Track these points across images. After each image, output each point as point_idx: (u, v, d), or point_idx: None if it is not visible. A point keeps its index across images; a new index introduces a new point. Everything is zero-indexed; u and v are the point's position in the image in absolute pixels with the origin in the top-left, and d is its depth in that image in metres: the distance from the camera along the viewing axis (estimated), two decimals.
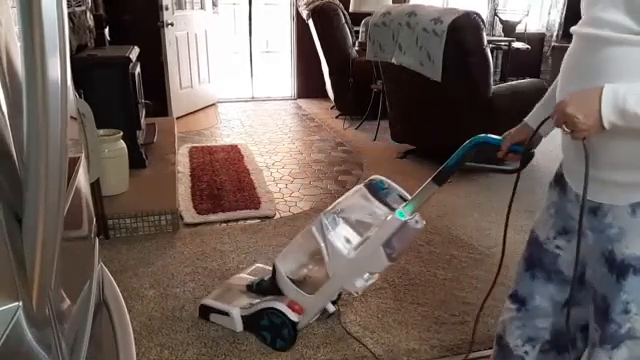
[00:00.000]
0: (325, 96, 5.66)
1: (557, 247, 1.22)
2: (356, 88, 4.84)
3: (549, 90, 1.28)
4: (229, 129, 4.87)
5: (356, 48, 5.03)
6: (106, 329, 1.01)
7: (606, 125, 0.89)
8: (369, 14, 4.15)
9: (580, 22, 1.02)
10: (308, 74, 6.01)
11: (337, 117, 5.26)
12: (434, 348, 1.83)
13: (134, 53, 3.41)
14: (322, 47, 5.15)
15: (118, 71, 3.13)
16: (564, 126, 0.94)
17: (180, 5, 5.06)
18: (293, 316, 1.75)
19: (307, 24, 5.31)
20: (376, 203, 1.63)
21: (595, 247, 1.08)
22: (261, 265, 2.16)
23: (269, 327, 1.79)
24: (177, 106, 5.09)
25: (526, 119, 1.31)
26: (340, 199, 1.75)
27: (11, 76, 0.59)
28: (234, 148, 4.14)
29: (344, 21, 5.02)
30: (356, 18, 5.16)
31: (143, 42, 4.00)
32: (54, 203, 0.58)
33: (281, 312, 1.75)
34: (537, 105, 1.31)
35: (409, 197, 1.62)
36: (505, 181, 3.43)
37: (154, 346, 1.81)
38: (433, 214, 2.89)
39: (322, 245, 1.68)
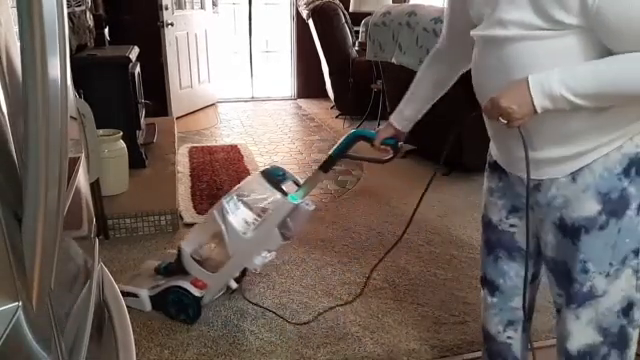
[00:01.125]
0: (325, 96, 5.66)
1: (511, 225, 1.29)
2: (356, 88, 4.83)
3: (407, 95, 1.49)
4: (229, 129, 4.87)
5: (356, 48, 5.03)
6: (106, 329, 1.01)
7: (539, 110, 0.99)
8: (369, 14, 4.15)
9: (481, 26, 1.11)
10: (308, 74, 6.01)
11: (337, 117, 5.26)
12: (434, 348, 1.83)
13: (134, 53, 3.41)
14: (322, 47, 5.15)
15: (118, 71, 3.13)
16: (500, 118, 1.03)
17: (180, 5, 5.06)
18: (196, 291, 1.89)
19: (307, 24, 5.31)
20: (270, 188, 1.79)
21: (545, 219, 1.17)
22: (171, 251, 2.23)
23: (175, 303, 1.93)
24: (177, 106, 5.09)
25: (391, 120, 1.51)
26: (241, 184, 1.93)
27: (11, 76, 0.59)
28: (234, 148, 4.14)
29: (344, 21, 5.03)
30: (356, 18, 5.16)
31: (143, 42, 3.99)
32: (54, 203, 0.58)
33: (185, 289, 1.89)
34: (397, 109, 1.49)
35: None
36: None
37: (154, 346, 1.81)
38: (433, 214, 2.89)
39: (222, 227, 1.82)
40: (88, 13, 3.82)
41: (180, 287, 1.91)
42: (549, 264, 1.21)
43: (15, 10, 0.52)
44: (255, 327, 1.92)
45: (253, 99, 6.24)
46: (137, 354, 1.00)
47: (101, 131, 2.68)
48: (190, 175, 3.47)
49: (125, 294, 1.91)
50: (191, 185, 3.30)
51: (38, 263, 0.57)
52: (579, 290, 1.14)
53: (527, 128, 1.05)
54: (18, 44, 0.60)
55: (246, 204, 1.87)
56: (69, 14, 3.21)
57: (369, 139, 1.54)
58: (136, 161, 3.18)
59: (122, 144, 2.86)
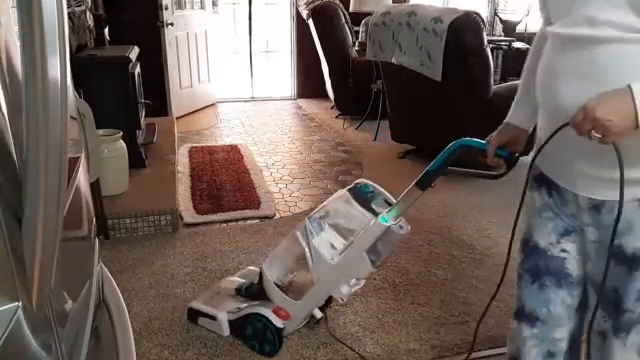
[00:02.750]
0: (325, 96, 5.66)
1: (562, 250, 1.18)
2: (356, 88, 4.83)
3: (521, 87, 1.27)
4: (229, 129, 4.87)
5: (356, 48, 5.03)
6: (106, 329, 1.01)
7: None
8: (369, 14, 4.15)
9: (561, 23, 0.98)
10: (308, 74, 6.01)
11: (337, 117, 5.26)
12: (434, 348, 1.83)
13: (134, 53, 3.41)
14: (322, 47, 5.15)
15: (118, 71, 3.12)
16: (593, 131, 0.89)
17: (180, 5, 5.06)
18: (278, 322, 1.74)
19: (307, 24, 5.31)
20: (358, 208, 1.61)
21: (599, 243, 1.08)
22: (252, 268, 2.13)
23: (255, 334, 1.78)
24: (177, 106, 5.09)
25: (508, 119, 1.28)
26: (325, 202, 1.73)
27: (11, 76, 0.59)
28: (234, 148, 4.14)
29: (344, 21, 5.03)
30: (356, 18, 5.16)
31: (143, 42, 3.99)
32: (54, 203, 0.58)
33: (266, 318, 1.74)
34: (514, 104, 1.29)
35: (394, 201, 1.60)
36: (505, 181, 3.43)
37: (154, 346, 1.81)
38: (433, 214, 2.89)
39: (306, 250, 1.67)
40: (88, 13, 3.82)
41: (262, 315, 1.75)
42: (596, 288, 1.13)
43: (15, 10, 0.52)
44: None
45: (253, 99, 6.24)
46: (137, 354, 1.00)
47: (101, 131, 2.68)
48: (190, 175, 3.47)
49: (202, 314, 1.87)
50: (191, 185, 3.30)
51: (38, 263, 0.57)
52: (630, 318, 1.08)
53: (594, 142, 0.92)
54: (18, 44, 0.60)
55: (332, 225, 1.68)
56: (69, 14, 3.21)
57: (480, 150, 1.29)
58: (136, 161, 3.18)
59: (122, 144, 2.86)
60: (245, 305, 1.83)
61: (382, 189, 1.67)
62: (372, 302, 2.09)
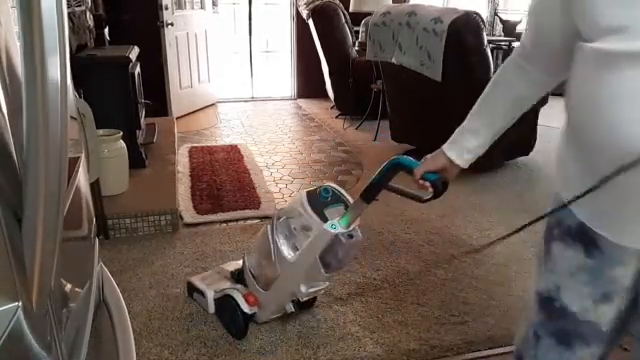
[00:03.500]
0: (325, 96, 5.66)
1: (599, 315, 0.98)
2: (356, 88, 4.84)
3: (472, 118, 1.14)
4: (229, 129, 4.87)
5: (356, 48, 5.03)
6: (106, 329, 1.01)
7: None
8: (369, 14, 4.15)
9: (618, 38, 0.76)
10: (308, 74, 6.01)
11: (337, 117, 5.26)
12: (434, 348, 1.83)
13: (134, 53, 3.41)
14: (322, 47, 5.15)
15: (118, 71, 3.12)
16: None
17: (180, 5, 5.06)
18: (245, 307, 1.80)
19: (307, 24, 5.31)
20: (310, 212, 1.60)
21: None
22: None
23: (227, 312, 1.87)
24: (177, 106, 5.09)
25: (445, 149, 1.16)
26: (290, 201, 1.79)
27: (11, 76, 0.59)
28: (234, 148, 4.14)
29: (344, 21, 5.03)
30: (356, 18, 5.16)
31: (143, 42, 3.99)
32: (54, 203, 0.58)
33: (236, 301, 1.81)
34: (456, 135, 1.15)
35: None
36: (506, 182, 3.44)
37: (154, 346, 1.81)
38: (433, 214, 2.89)
39: (271, 245, 1.71)
40: (88, 13, 3.82)
41: (232, 298, 1.83)
42: None
43: (15, 10, 0.52)
44: (255, 327, 1.91)
45: (253, 99, 6.24)
46: (137, 354, 1.00)
47: (101, 131, 2.68)
48: (190, 175, 3.47)
49: (196, 290, 1.98)
50: (191, 185, 3.30)
51: (38, 263, 0.57)
52: None
53: None
54: (18, 44, 0.60)
55: (292, 226, 1.70)
56: (69, 14, 3.21)
57: (408, 170, 1.25)
58: (136, 161, 3.18)
59: (122, 144, 2.86)
60: (228, 287, 1.91)
61: (347, 196, 1.66)
62: (372, 302, 2.09)
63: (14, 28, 0.63)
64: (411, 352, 1.81)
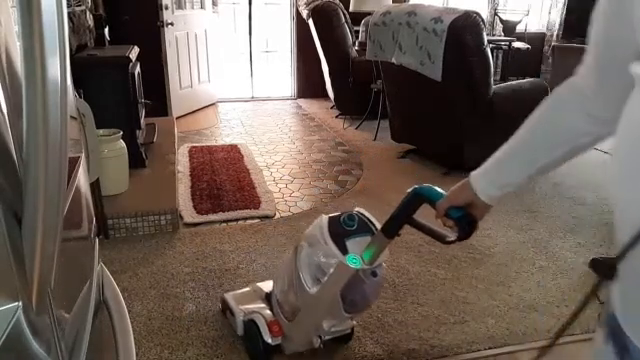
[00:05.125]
0: (325, 96, 5.66)
1: None
2: (356, 88, 4.84)
3: (512, 150, 0.90)
4: (229, 129, 4.87)
5: (356, 48, 5.03)
6: (106, 329, 1.01)
7: None
8: (369, 14, 4.15)
9: None
10: (308, 74, 6.01)
11: (337, 117, 5.26)
12: (434, 348, 1.83)
13: (134, 53, 3.41)
14: (322, 47, 5.15)
15: (118, 71, 3.12)
16: None
17: (180, 5, 5.06)
18: (267, 335, 1.63)
19: (307, 24, 5.31)
20: (330, 242, 1.40)
21: None
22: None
23: (252, 338, 1.72)
24: (177, 106, 5.09)
25: (472, 177, 0.96)
26: (313, 224, 1.54)
27: (11, 76, 0.59)
28: (234, 148, 4.14)
29: (344, 21, 5.03)
30: (356, 18, 5.16)
31: (143, 42, 4.00)
32: (54, 203, 0.58)
33: (258, 328, 1.66)
34: (490, 166, 0.93)
35: None
36: None
37: (154, 346, 1.81)
38: (433, 214, 2.89)
39: (294, 273, 1.52)
40: (88, 13, 3.82)
41: (255, 324, 1.66)
42: None
43: (15, 10, 0.52)
44: None
45: (253, 99, 6.24)
46: (137, 354, 1.00)
47: (101, 131, 2.69)
48: (190, 175, 3.47)
49: (228, 307, 1.86)
50: (191, 185, 3.30)
51: (38, 263, 0.57)
52: None
53: None
54: (18, 44, 0.60)
55: (314, 255, 1.48)
56: (69, 14, 3.21)
57: (430, 202, 1.09)
58: (136, 161, 3.18)
59: (122, 144, 2.86)
60: (256, 310, 1.75)
61: (376, 223, 1.43)
62: None
63: (14, 28, 0.63)
64: (411, 352, 1.81)
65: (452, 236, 1.05)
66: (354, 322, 1.63)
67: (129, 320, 1.04)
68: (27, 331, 0.55)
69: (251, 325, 1.71)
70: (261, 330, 1.65)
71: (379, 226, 1.42)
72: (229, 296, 1.91)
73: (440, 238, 1.14)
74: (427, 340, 1.87)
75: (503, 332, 1.91)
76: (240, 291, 1.96)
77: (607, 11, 0.70)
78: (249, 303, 1.84)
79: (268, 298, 1.79)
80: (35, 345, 0.57)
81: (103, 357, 1.00)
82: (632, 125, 0.63)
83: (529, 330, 1.92)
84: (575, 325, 1.94)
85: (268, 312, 1.70)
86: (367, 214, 1.48)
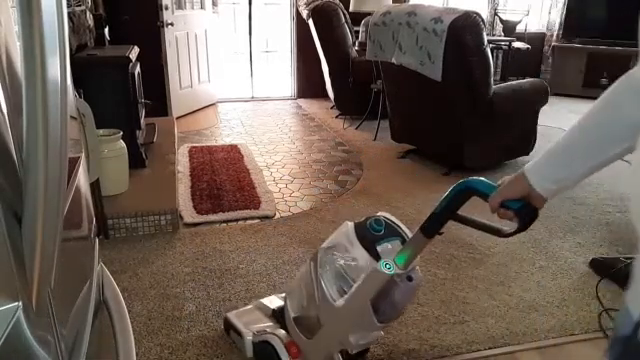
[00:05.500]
0: (325, 96, 5.66)
1: None
2: (356, 88, 4.84)
3: (573, 133, 0.87)
4: (229, 129, 4.87)
5: (356, 48, 5.03)
6: (106, 329, 1.01)
7: None
8: (369, 14, 4.15)
9: None
10: (308, 74, 6.01)
11: (337, 117, 5.26)
12: (434, 348, 1.83)
13: (134, 53, 3.41)
14: (322, 47, 5.15)
15: (118, 71, 3.12)
16: None
17: (180, 5, 5.06)
18: (286, 358, 1.55)
19: (307, 24, 5.31)
20: (359, 248, 1.35)
21: None
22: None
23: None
24: (177, 106, 5.09)
25: (526, 169, 0.94)
26: (336, 232, 1.47)
27: (11, 76, 0.59)
28: (234, 148, 4.14)
29: (344, 21, 5.03)
30: (356, 18, 5.16)
31: (143, 42, 4.00)
32: (54, 203, 0.58)
33: (276, 351, 1.58)
34: (546, 159, 0.92)
35: None
36: None
37: (154, 346, 1.81)
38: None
39: (314, 285, 1.44)
40: (88, 13, 3.82)
41: (272, 346, 1.58)
42: None
43: (15, 10, 0.52)
44: None
45: (253, 99, 6.24)
46: (137, 354, 1.00)
47: (101, 131, 2.69)
48: (190, 175, 3.47)
49: (232, 327, 1.78)
50: (191, 185, 3.30)
51: (38, 263, 0.57)
52: None
53: None
54: (18, 44, 0.60)
55: (338, 264, 1.41)
56: (69, 14, 3.21)
57: (482, 195, 1.05)
58: (136, 161, 3.18)
59: (122, 144, 2.86)
60: (268, 329, 1.68)
61: (404, 228, 1.39)
62: None
63: (14, 28, 0.63)
64: (411, 352, 1.81)
65: (509, 228, 1.01)
66: (382, 333, 1.54)
67: (129, 320, 1.04)
68: (27, 331, 0.55)
69: (264, 346, 1.63)
70: (278, 352, 1.56)
71: (406, 230, 1.39)
72: (233, 315, 1.83)
73: (496, 232, 1.10)
74: (427, 340, 1.87)
75: (503, 332, 1.91)
76: (243, 309, 1.89)
77: None
78: (256, 322, 1.77)
79: (275, 315, 1.73)
80: (35, 345, 0.57)
81: (103, 357, 1.00)
82: None
83: (529, 330, 1.92)
84: (575, 325, 1.95)
85: (282, 332, 1.63)
86: (392, 217, 1.44)
